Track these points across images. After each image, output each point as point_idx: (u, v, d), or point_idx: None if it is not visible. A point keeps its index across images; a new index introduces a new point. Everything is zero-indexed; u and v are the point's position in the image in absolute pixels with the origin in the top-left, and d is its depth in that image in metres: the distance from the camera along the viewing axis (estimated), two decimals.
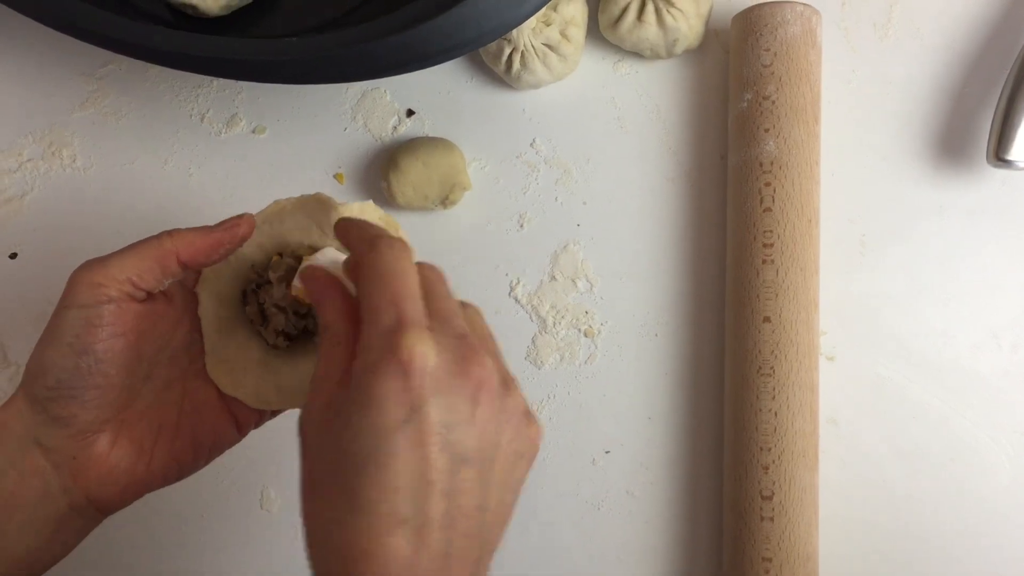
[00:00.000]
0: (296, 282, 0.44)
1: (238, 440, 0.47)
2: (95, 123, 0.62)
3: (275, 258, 0.47)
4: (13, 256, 0.61)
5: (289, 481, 0.59)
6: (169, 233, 0.43)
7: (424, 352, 0.35)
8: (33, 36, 0.61)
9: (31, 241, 0.61)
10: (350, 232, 0.41)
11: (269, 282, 0.46)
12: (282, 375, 0.47)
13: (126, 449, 0.44)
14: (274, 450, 0.59)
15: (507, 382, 0.39)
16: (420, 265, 0.41)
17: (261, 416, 0.48)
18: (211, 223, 0.60)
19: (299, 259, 0.46)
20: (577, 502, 0.59)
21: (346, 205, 0.46)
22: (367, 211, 0.46)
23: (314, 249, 0.46)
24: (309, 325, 0.47)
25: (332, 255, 0.44)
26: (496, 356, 0.40)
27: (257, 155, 0.61)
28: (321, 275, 0.41)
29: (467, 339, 0.38)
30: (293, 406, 0.47)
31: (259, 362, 0.47)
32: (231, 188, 0.61)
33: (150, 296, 0.44)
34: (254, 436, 0.58)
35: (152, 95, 0.62)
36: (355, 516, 0.34)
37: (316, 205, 0.47)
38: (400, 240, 0.40)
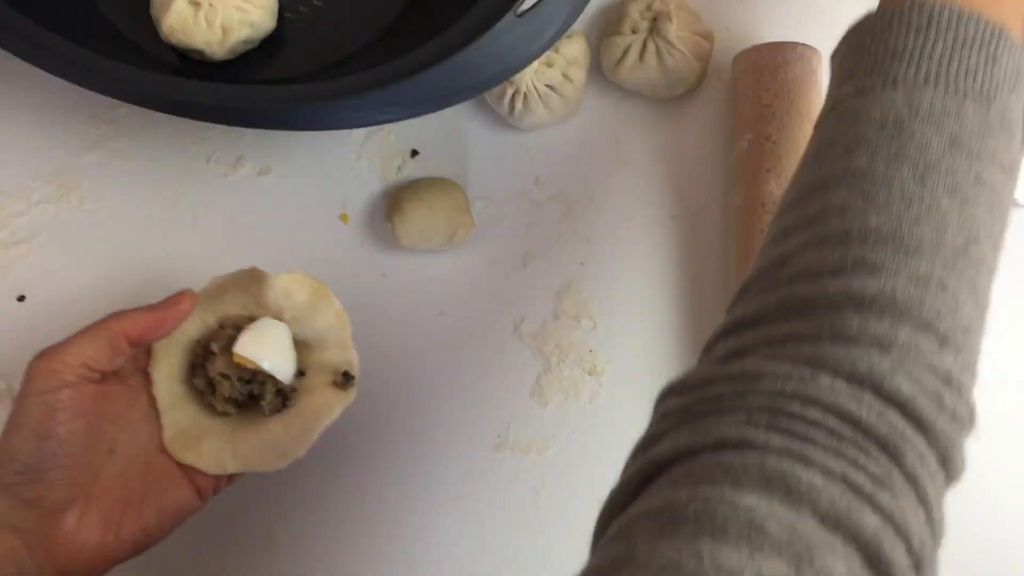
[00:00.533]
0: (236, 348, 0.49)
1: (200, 507, 0.50)
2: (103, 166, 0.62)
3: (217, 330, 0.51)
4: (21, 299, 0.61)
5: (295, 522, 0.59)
6: (115, 315, 0.47)
7: None
8: (42, 80, 0.61)
9: (39, 284, 0.61)
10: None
11: (212, 353, 0.50)
12: (236, 440, 0.51)
13: (94, 522, 0.46)
14: (281, 491, 0.59)
15: None
16: None
17: (219, 482, 0.50)
18: (218, 264, 0.61)
19: (239, 328, 0.50)
20: (583, 542, 0.58)
21: (276, 276, 0.50)
22: (296, 281, 0.51)
23: (253, 318, 0.51)
24: (255, 390, 0.51)
25: (265, 325, 0.50)
26: None
27: (263, 196, 0.62)
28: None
29: None
30: (249, 469, 0.51)
31: (213, 431, 0.51)
32: (238, 229, 0.62)
33: (104, 377, 0.47)
34: (262, 478, 0.58)
35: (159, 138, 0.62)
36: None
37: (249, 278, 0.51)
38: None
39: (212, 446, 0.51)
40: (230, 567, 0.59)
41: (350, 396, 0.52)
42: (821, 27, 0.61)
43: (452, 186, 0.60)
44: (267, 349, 0.50)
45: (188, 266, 0.61)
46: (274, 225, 0.61)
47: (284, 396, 0.51)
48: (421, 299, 0.61)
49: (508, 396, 0.60)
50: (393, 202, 0.59)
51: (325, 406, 0.51)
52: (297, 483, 0.59)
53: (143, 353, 0.51)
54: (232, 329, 0.51)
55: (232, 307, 0.52)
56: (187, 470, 0.50)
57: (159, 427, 0.50)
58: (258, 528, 0.60)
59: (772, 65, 0.57)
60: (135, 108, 0.62)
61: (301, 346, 0.52)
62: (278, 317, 0.51)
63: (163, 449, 0.50)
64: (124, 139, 0.62)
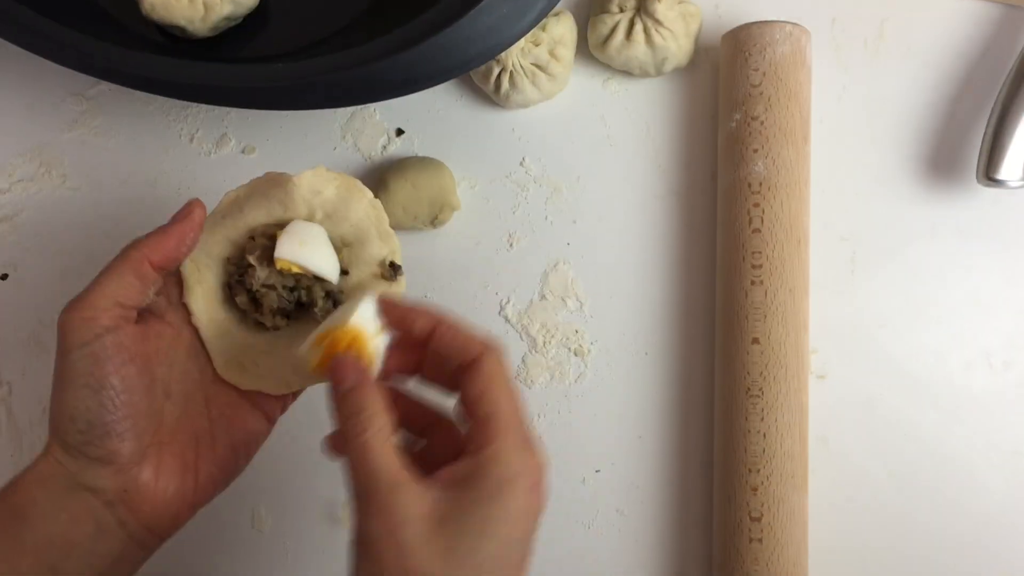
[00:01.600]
0: (277, 253, 0.46)
1: (269, 430, 0.48)
2: (85, 143, 0.62)
3: (248, 242, 0.48)
4: (4, 276, 0.61)
5: (280, 501, 0.59)
6: (132, 245, 0.44)
7: (544, 468, 0.39)
8: (22, 57, 0.61)
9: (22, 261, 0.61)
10: (455, 327, 0.42)
11: (249, 266, 0.47)
12: (293, 354, 0.46)
13: (172, 470, 0.44)
14: (264, 469, 0.59)
15: None
16: (489, 343, 0.42)
17: (285, 400, 0.49)
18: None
19: (271, 237, 0.47)
20: (567, 521, 0.59)
21: (299, 175, 0.47)
22: (321, 176, 0.47)
23: (281, 225, 0.47)
24: (302, 296, 0.48)
25: (300, 227, 0.46)
26: None
27: (247, 175, 0.60)
28: (351, 368, 0.41)
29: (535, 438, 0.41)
30: (314, 382, 0.47)
31: (267, 349, 0.48)
32: None
33: (142, 317, 0.45)
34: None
35: (142, 115, 0.62)
36: None
37: (269, 183, 0.48)
38: (501, 346, 0.42)
39: (271, 365, 0.47)
40: (215, 546, 0.60)
41: (400, 286, 0.49)
42: (810, 7, 0.60)
43: (438, 165, 0.59)
44: (309, 249, 0.46)
45: None
46: None
47: (334, 299, 0.48)
48: (406, 279, 0.60)
49: None
50: (378, 181, 0.59)
51: None
52: (282, 462, 0.59)
53: (175, 286, 0.47)
54: (264, 239, 0.47)
55: (256, 217, 0.48)
56: (250, 396, 0.47)
57: (208, 359, 0.47)
58: (243, 506, 0.60)
59: (760, 45, 0.56)
60: (116, 86, 0.61)
61: (339, 243, 0.48)
62: (309, 218, 0.48)
63: (218, 380, 0.47)
64: (106, 116, 0.62)
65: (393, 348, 0.43)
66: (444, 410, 0.45)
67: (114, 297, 0.42)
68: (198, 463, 0.45)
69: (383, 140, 0.61)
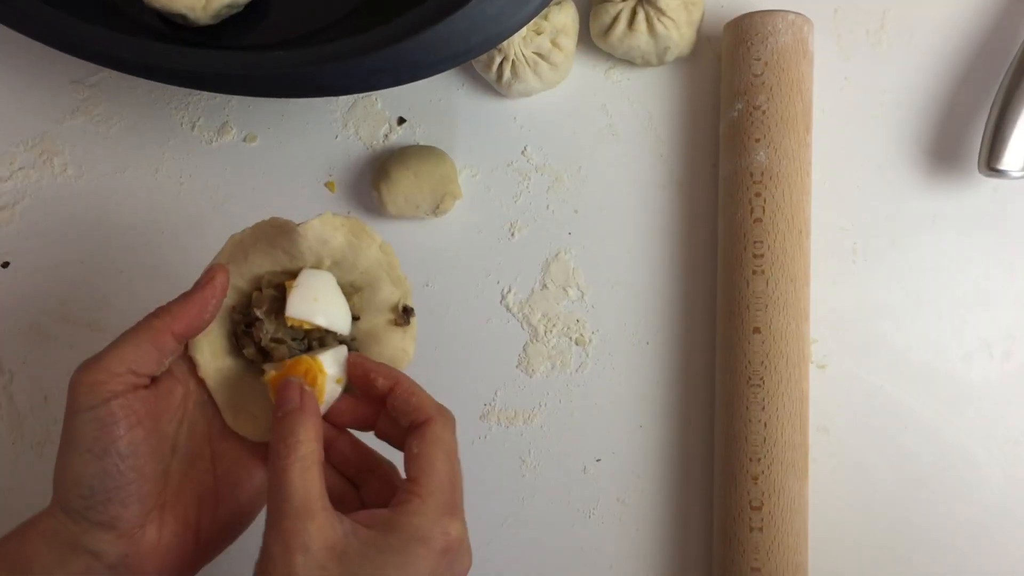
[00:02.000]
0: (288, 312, 0.44)
1: None
2: (86, 131, 0.62)
3: (255, 293, 0.46)
4: (5, 265, 0.61)
5: None
6: (156, 314, 0.43)
7: (461, 539, 0.40)
8: (22, 45, 0.61)
9: (23, 250, 0.61)
10: (411, 389, 0.43)
11: (257, 319, 0.46)
12: None
13: (173, 531, 0.43)
14: None
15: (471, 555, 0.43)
16: (441, 411, 0.44)
17: None
18: (202, 231, 0.60)
19: (279, 287, 0.46)
20: (568, 510, 0.59)
21: (306, 224, 0.45)
22: (328, 223, 0.45)
23: (288, 274, 0.46)
24: (313, 345, 0.47)
25: (310, 278, 0.45)
26: None
27: (248, 163, 0.61)
28: (295, 390, 0.42)
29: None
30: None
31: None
32: (222, 196, 0.61)
33: (154, 379, 0.44)
34: None
35: (143, 103, 0.62)
36: None
37: (274, 231, 0.46)
38: (452, 415, 0.43)
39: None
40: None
41: (413, 330, 0.48)
42: None
43: (439, 154, 0.59)
44: (321, 304, 0.45)
45: (172, 232, 0.61)
46: (259, 192, 0.61)
47: (346, 345, 0.47)
48: (407, 268, 0.59)
49: (495, 366, 0.60)
50: (380, 170, 0.59)
51: (399, 351, 0.47)
52: None
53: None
54: (271, 289, 0.46)
55: (261, 265, 0.46)
56: (259, 450, 0.46)
57: (216, 411, 0.46)
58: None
59: (763, 34, 0.56)
60: (117, 74, 0.61)
61: (349, 290, 0.47)
62: (317, 266, 0.46)
63: (226, 434, 0.46)
64: (107, 104, 0.62)
65: (355, 402, 0.45)
66: (385, 461, 0.46)
67: (128, 364, 0.41)
68: (200, 522, 0.44)
69: (385, 129, 0.61)
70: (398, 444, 0.45)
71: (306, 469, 0.39)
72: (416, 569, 0.38)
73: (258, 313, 0.45)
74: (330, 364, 0.44)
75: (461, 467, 0.43)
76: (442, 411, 0.43)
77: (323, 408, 0.44)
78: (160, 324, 0.42)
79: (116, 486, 0.41)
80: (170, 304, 0.43)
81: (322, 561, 0.37)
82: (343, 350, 0.45)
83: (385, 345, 0.47)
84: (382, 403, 0.45)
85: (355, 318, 0.47)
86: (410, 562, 0.38)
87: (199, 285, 0.44)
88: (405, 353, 0.48)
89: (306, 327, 0.45)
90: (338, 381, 0.45)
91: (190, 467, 0.45)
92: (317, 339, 0.46)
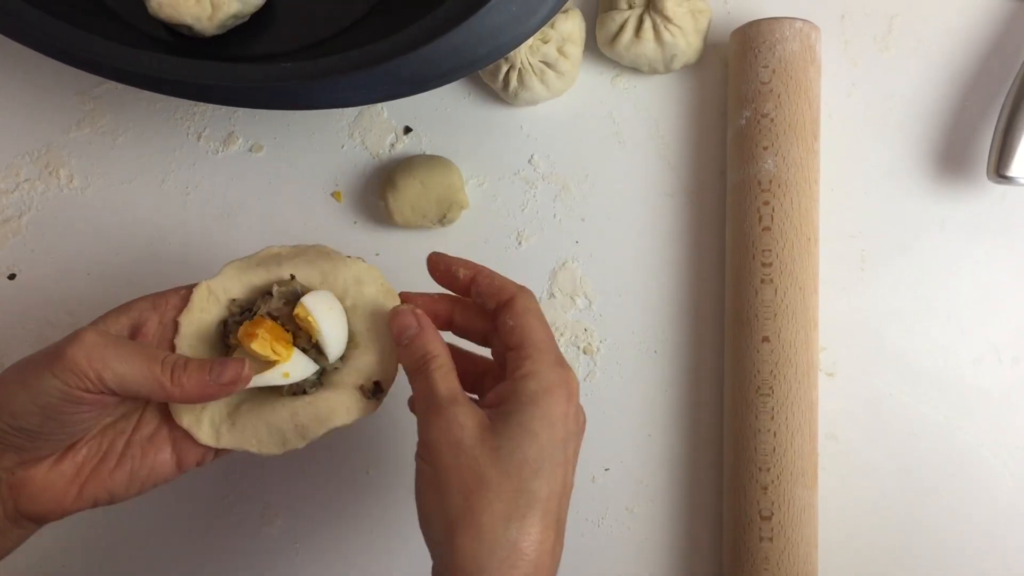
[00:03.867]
0: (304, 300, 0.46)
1: (174, 476, 0.47)
2: (92, 143, 0.61)
3: (264, 295, 0.48)
4: (12, 277, 0.61)
5: (289, 497, 0.59)
6: (172, 373, 0.43)
7: (576, 381, 0.45)
8: (28, 57, 0.61)
9: (29, 261, 0.61)
10: (489, 278, 0.47)
11: (268, 294, 0.48)
12: (238, 414, 0.47)
13: (64, 474, 0.45)
14: (276, 466, 0.59)
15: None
16: (521, 287, 0.48)
17: (205, 455, 0.47)
18: (209, 241, 0.60)
19: (288, 298, 0.47)
20: (577, 519, 0.59)
21: (353, 260, 0.49)
22: (371, 271, 0.49)
23: (307, 291, 0.47)
24: (301, 347, 0.47)
25: (329, 298, 0.48)
26: None
27: (254, 173, 0.61)
28: (422, 314, 0.47)
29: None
30: (241, 447, 0.47)
31: (225, 402, 0.47)
32: (229, 207, 0.61)
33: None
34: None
35: (149, 114, 0.61)
36: (529, 510, 0.42)
37: (317, 254, 0.48)
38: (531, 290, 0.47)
39: (213, 414, 0.47)
40: (224, 539, 0.60)
41: (371, 407, 0.48)
42: (819, 3, 0.60)
43: (446, 163, 0.59)
44: (331, 320, 0.47)
45: (179, 242, 0.61)
46: (266, 202, 0.61)
47: (311, 382, 0.48)
48: (414, 277, 0.60)
49: None
50: (386, 179, 0.59)
51: (343, 408, 0.47)
52: (292, 459, 0.59)
53: (174, 306, 0.48)
54: (289, 292, 0.48)
55: (289, 272, 0.48)
56: (175, 435, 0.46)
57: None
58: (254, 502, 0.60)
59: (770, 41, 0.56)
60: (122, 85, 0.61)
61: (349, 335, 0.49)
62: (339, 300, 0.48)
63: (159, 409, 0.47)
64: (112, 115, 0.62)
65: (431, 300, 0.49)
66: (490, 361, 0.49)
67: (123, 384, 0.42)
68: (90, 479, 0.45)
69: (391, 138, 0.61)
70: (476, 336, 0.49)
71: (446, 373, 0.45)
72: (551, 418, 0.43)
73: (275, 290, 0.47)
74: (320, 314, 0.46)
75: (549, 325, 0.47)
76: (523, 288, 0.47)
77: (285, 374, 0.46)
78: (169, 386, 0.43)
79: (45, 437, 0.43)
80: (191, 370, 0.44)
81: (475, 435, 0.42)
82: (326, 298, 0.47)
83: (338, 396, 0.47)
84: (458, 298, 0.49)
85: (334, 367, 0.48)
86: (544, 414, 0.43)
87: (221, 375, 0.44)
88: (347, 412, 0.47)
89: (307, 321, 0.46)
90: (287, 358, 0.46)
91: (114, 424, 0.46)
92: (302, 347, 0.47)
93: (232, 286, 0.48)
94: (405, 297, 0.49)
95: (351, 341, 0.48)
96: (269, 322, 0.47)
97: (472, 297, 0.48)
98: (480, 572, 0.41)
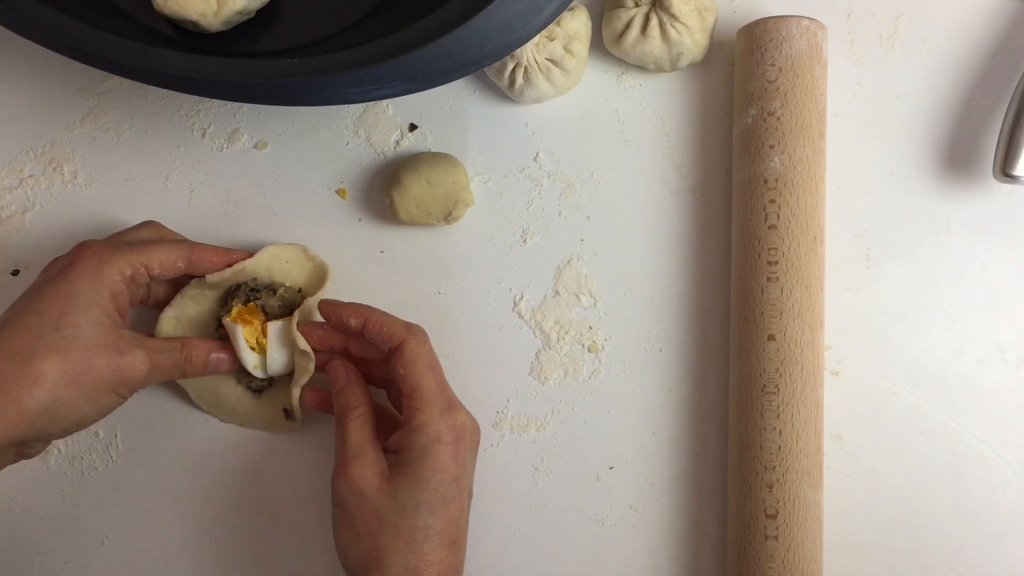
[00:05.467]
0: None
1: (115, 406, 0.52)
2: (96, 139, 0.61)
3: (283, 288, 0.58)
4: (15, 273, 0.61)
5: (295, 492, 0.59)
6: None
7: (466, 424, 0.51)
8: (32, 52, 0.61)
9: (33, 257, 0.61)
10: (380, 320, 0.53)
11: (267, 287, 0.57)
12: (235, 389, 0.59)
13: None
14: (283, 461, 0.59)
15: (475, 421, 0.54)
16: (411, 329, 0.53)
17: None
18: (213, 238, 0.61)
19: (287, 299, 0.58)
20: (581, 517, 0.59)
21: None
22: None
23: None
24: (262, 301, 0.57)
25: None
26: None
27: (259, 170, 0.61)
28: (351, 369, 0.54)
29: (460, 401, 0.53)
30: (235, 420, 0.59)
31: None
32: (233, 203, 0.61)
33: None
34: (266, 447, 0.58)
35: (153, 110, 0.61)
36: (425, 542, 0.49)
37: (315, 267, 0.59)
38: (422, 328, 0.54)
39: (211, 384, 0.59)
40: (229, 534, 0.59)
41: (289, 427, 0.59)
42: (825, 2, 0.60)
43: (451, 161, 0.59)
44: (277, 345, 0.56)
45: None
46: (270, 199, 0.61)
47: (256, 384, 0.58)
48: (419, 275, 0.60)
49: (507, 373, 0.60)
50: (391, 176, 0.58)
51: (269, 422, 0.59)
52: (298, 453, 0.59)
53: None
54: (288, 301, 0.57)
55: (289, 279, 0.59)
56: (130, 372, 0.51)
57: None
58: (259, 496, 0.60)
59: (777, 40, 0.56)
60: (127, 81, 0.61)
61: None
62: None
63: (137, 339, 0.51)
64: (116, 112, 0.61)
65: (324, 332, 0.55)
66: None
67: (160, 376, 0.53)
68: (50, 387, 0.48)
69: (396, 135, 0.61)
70: (376, 380, 0.56)
71: (361, 424, 0.52)
72: (440, 464, 0.49)
73: (277, 292, 0.57)
74: (272, 333, 0.55)
75: (441, 367, 0.53)
76: (411, 329, 0.52)
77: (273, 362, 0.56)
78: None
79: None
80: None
81: (376, 485, 0.49)
82: (285, 325, 0.56)
83: (265, 409, 0.59)
84: (351, 335, 0.55)
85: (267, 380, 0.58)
86: (433, 463, 0.49)
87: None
88: (269, 425, 0.60)
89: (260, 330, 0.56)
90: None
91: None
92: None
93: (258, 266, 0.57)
94: (303, 329, 0.55)
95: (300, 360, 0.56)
96: (263, 316, 0.56)
97: (367, 339, 0.53)
98: None
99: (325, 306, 0.54)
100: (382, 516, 0.49)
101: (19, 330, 0.47)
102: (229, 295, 0.57)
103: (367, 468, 0.50)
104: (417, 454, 0.49)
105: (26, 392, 0.46)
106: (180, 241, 0.55)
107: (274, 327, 0.55)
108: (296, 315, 0.55)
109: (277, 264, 0.57)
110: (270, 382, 0.58)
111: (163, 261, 0.52)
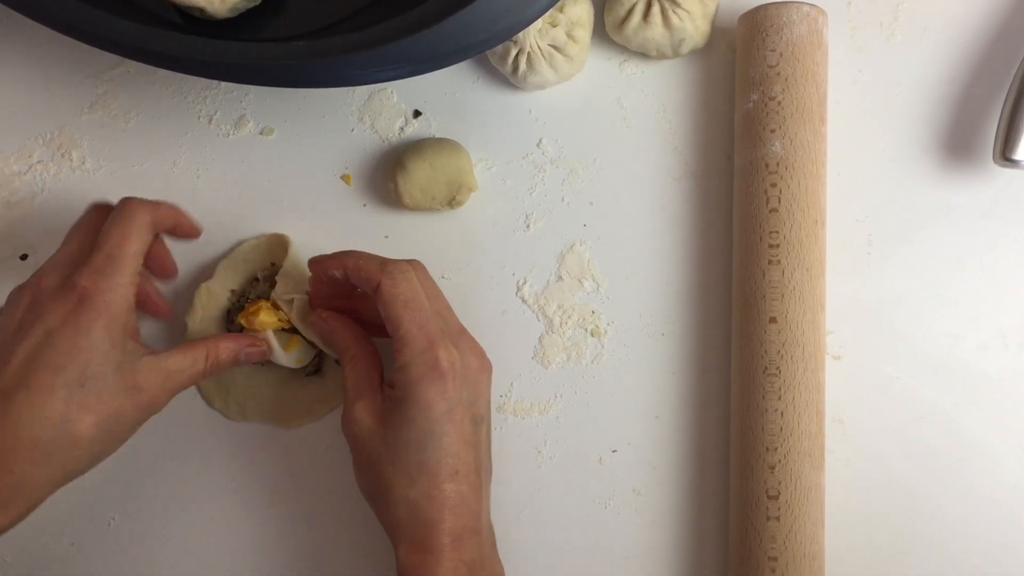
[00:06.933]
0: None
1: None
2: (104, 125, 0.62)
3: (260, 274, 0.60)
4: (24, 257, 0.61)
5: (296, 480, 0.60)
6: (207, 361, 0.54)
7: (451, 359, 0.50)
8: (41, 39, 0.61)
9: (41, 243, 0.61)
10: (357, 264, 0.52)
11: (269, 275, 0.59)
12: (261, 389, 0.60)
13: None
14: (284, 449, 0.60)
15: (473, 341, 0.54)
16: (412, 263, 0.53)
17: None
18: (219, 223, 0.62)
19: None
20: (584, 500, 0.60)
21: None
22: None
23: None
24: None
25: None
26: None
27: (265, 156, 0.62)
28: (329, 316, 0.55)
29: (465, 332, 0.53)
30: (265, 421, 0.60)
31: (243, 385, 0.60)
32: (239, 189, 0.61)
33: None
34: (268, 435, 0.59)
35: (160, 97, 0.62)
36: (420, 479, 0.49)
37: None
38: (401, 265, 0.52)
39: (237, 395, 0.60)
40: (229, 521, 0.60)
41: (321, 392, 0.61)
42: None
43: (455, 146, 0.59)
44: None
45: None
46: (276, 185, 0.61)
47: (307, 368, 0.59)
48: (423, 260, 0.60)
49: (510, 357, 0.60)
50: (395, 162, 0.59)
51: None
52: (299, 442, 0.60)
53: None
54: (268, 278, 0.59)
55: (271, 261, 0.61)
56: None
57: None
58: (260, 484, 0.60)
59: (777, 25, 0.56)
60: (135, 68, 0.62)
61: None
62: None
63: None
64: (125, 98, 0.62)
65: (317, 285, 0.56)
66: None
67: (182, 386, 0.53)
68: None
69: (400, 122, 0.61)
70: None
71: (354, 366, 0.53)
72: (425, 400, 0.49)
73: (259, 278, 0.59)
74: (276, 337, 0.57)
75: (424, 297, 0.51)
76: (386, 267, 0.51)
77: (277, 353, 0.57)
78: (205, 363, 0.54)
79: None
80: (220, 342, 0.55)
81: (370, 427, 0.51)
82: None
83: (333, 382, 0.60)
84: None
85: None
86: (418, 398, 0.49)
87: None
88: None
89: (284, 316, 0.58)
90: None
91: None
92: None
93: (228, 280, 0.59)
94: (313, 262, 0.54)
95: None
96: (264, 302, 0.56)
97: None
98: (397, 529, 0.50)
99: (312, 264, 0.54)
100: (379, 455, 0.50)
101: (45, 391, 0.47)
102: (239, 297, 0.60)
103: (362, 410, 0.51)
104: (401, 393, 0.49)
105: (68, 456, 0.47)
106: (130, 210, 0.52)
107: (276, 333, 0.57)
108: (279, 286, 0.57)
109: (246, 264, 0.60)
110: (317, 368, 0.60)
111: (144, 245, 0.52)
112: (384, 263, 0.51)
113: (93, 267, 0.49)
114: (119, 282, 0.49)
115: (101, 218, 0.52)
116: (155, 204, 0.53)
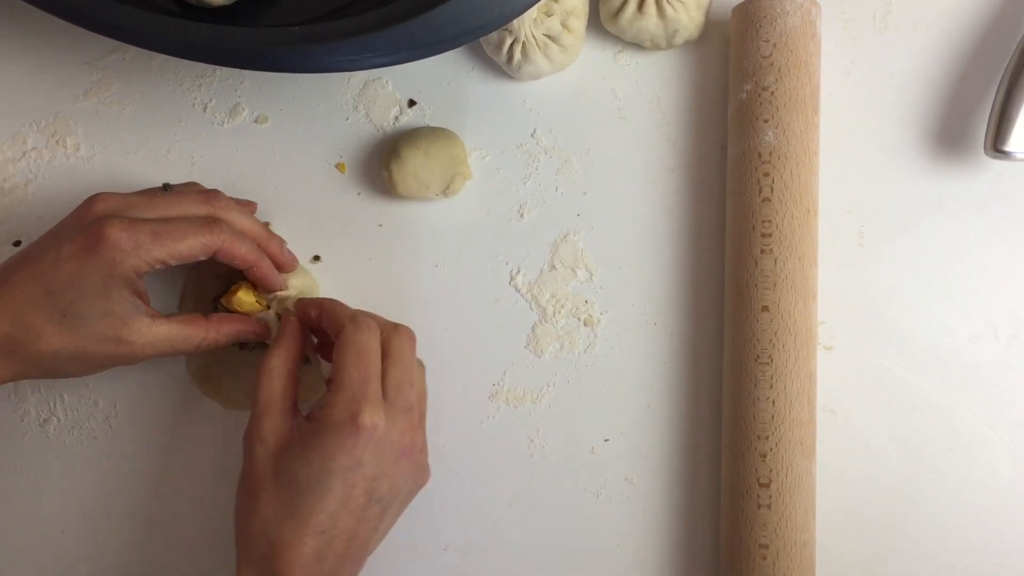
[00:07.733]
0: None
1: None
2: (98, 112, 0.62)
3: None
4: (17, 243, 0.61)
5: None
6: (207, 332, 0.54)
7: (375, 422, 0.48)
8: (36, 25, 0.61)
9: (35, 229, 0.61)
10: (332, 308, 0.53)
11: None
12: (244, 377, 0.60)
13: None
14: None
15: (424, 446, 0.53)
16: (397, 328, 0.52)
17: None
18: None
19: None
20: (576, 489, 0.60)
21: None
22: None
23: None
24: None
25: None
26: (423, 418, 0.54)
27: (259, 144, 0.62)
28: (297, 322, 0.54)
29: (411, 413, 0.51)
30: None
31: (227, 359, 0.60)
32: (234, 177, 0.61)
33: None
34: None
35: (155, 84, 0.62)
36: (289, 521, 0.48)
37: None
38: (371, 322, 0.51)
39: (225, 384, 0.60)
40: (229, 501, 0.60)
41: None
42: None
43: (450, 135, 0.59)
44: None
45: None
46: (270, 173, 0.61)
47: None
48: (417, 249, 0.61)
49: (503, 346, 0.60)
50: (390, 150, 0.59)
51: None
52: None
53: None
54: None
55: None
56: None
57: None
58: None
59: (771, 16, 0.56)
60: (130, 55, 0.62)
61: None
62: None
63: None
64: (119, 85, 0.62)
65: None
66: None
67: (177, 349, 0.53)
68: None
69: (395, 111, 0.62)
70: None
71: (272, 379, 0.51)
72: (332, 449, 0.48)
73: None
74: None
75: (378, 359, 0.51)
76: (355, 318, 0.51)
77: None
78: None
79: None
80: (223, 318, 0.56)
81: (273, 450, 0.49)
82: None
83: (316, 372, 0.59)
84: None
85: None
86: (326, 445, 0.48)
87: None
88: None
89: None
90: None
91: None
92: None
93: (216, 265, 0.56)
94: (299, 304, 0.56)
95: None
96: (244, 283, 0.56)
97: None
98: (249, 555, 0.48)
99: (299, 305, 0.55)
100: (263, 481, 0.49)
101: (34, 303, 0.49)
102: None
103: (269, 431, 0.50)
104: (314, 432, 0.48)
105: (32, 356, 0.50)
106: (209, 230, 0.52)
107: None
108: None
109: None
110: (305, 357, 0.58)
111: (184, 256, 0.51)
112: (356, 314, 0.52)
113: (133, 229, 0.50)
114: (138, 256, 0.50)
115: (204, 200, 0.54)
116: (241, 240, 0.53)
